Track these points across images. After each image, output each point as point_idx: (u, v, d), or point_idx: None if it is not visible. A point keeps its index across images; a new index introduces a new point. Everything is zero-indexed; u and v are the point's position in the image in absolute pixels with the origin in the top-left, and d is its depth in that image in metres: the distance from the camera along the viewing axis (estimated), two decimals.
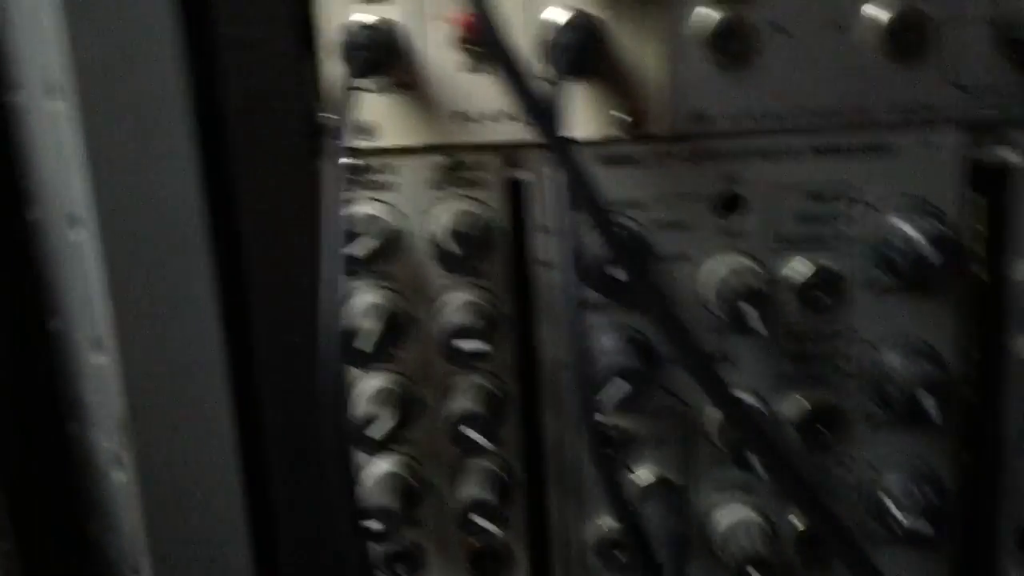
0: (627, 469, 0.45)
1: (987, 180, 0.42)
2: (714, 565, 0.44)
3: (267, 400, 0.46)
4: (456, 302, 0.42)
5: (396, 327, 0.43)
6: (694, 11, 0.40)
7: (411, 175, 0.42)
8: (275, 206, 0.43)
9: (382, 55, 0.39)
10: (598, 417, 0.44)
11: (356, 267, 0.42)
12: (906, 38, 0.39)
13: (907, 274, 0.41)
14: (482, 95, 0.41)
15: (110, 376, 0.48)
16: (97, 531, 0.54)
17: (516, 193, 0.43)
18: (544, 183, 0.42)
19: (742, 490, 0.45)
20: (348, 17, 0.41)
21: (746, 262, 0.42)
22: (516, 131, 0.42)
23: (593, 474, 0.45)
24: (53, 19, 0.45)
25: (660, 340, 0.42)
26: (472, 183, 0.42)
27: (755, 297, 0.40)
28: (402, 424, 0.44)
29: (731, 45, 0.40)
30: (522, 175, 0.42)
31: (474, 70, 0.41)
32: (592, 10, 0.40)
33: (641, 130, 0.41)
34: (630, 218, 0.42)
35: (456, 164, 0.42)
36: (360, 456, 0.45)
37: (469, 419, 0.42)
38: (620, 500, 0.37)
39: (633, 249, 0.40)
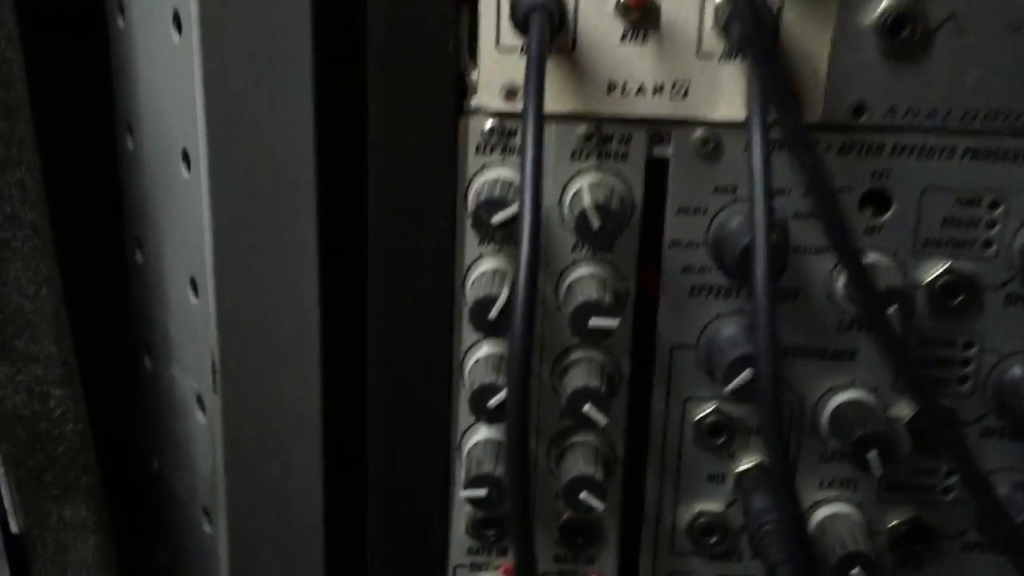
0: (732, 457, 0.45)
1: None
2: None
3: (368, 359, 0.45)
4: (586, 277, 0.42)
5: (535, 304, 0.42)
6: None
7: (552, 143, 0.41)
8: (405, 162, 0.42)
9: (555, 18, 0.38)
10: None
11: (489, 233, 0.41)
12: None
13: None
14: (634, 66, 0.40)
15: (202, 316, 0.47)
16: (167, 467, 0.54)
17: (655, 170, 0.42)
18: (685, 162, 0.41)
19: (845, 487, 0.45)
20: None
21: (886, 260, 0.41)
22: (663, 106, 0.40)
23: (693, 459, 0.45)
24: None
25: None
26: (614, 156, 0.41)
27: (896, 296, 0.40)
28: None
29: (902, 35, 0.39)
30: (664, 152, 0.41)
31: (630, 40, 0.40)
32: None
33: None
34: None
35: (600, 136, 0.41)
36: (463, 420, 0.45)
37: (588, 394, 0.42)
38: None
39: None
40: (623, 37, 0.40)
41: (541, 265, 0.37)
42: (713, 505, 0.45)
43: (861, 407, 0.43)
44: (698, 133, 0.41)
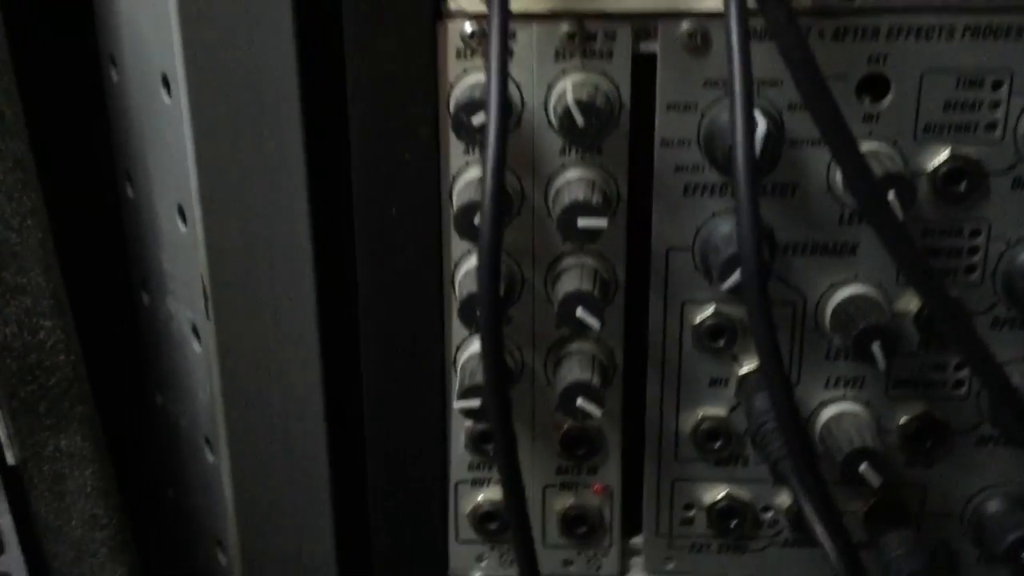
0: (734, 360, 0.44)
1: None
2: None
3: (359, 278, 0.44)
4: (574, 180, 0.41)
5: (505, 202, 0.41)
6: None
7: (533, 44, 0.40)
8: (385, 71, 0.40)
9: None
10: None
11: (473, 139, 0.40)
12: None
13: None
14: None
15: (193, 245, 0.46)
16: (169, 401, 0.53)
17: (641, 67, 0.40)
18: (673, 57, 0.40)
19: (850, 386, 0.44)
20: None
21: (885, 148, 0.40)
22: (647, 0, 0.39)
23: (693, 363, 0.44)
24: None
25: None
26: (598, 54, 0.40)
27: (894, 181, 0.38)
28: (504, 302, 0.42)
29: None
30: (651, 47, 0.40)
31: None
32: None
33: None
34: (764, 98, 0.40)
35: (583, 34, 0.40)
36: (457, 333, 0.44)
37: (579, 299, 0.41)
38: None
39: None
40: None
41: (507, 155, 0.35)
42: (716, 410, 0.45)
43: (864, 301, 0.41)
44: (685, 26, 0.39)
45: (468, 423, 0.45)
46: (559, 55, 0.40)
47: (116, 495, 0.47)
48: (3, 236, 0.43)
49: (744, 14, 0.35)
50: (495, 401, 0.35)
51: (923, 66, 0.39)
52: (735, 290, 0.39)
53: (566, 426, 0.45)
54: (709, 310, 0.43)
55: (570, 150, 0.41)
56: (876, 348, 0.40)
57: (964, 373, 0.43)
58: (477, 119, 0.38)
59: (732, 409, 0.45)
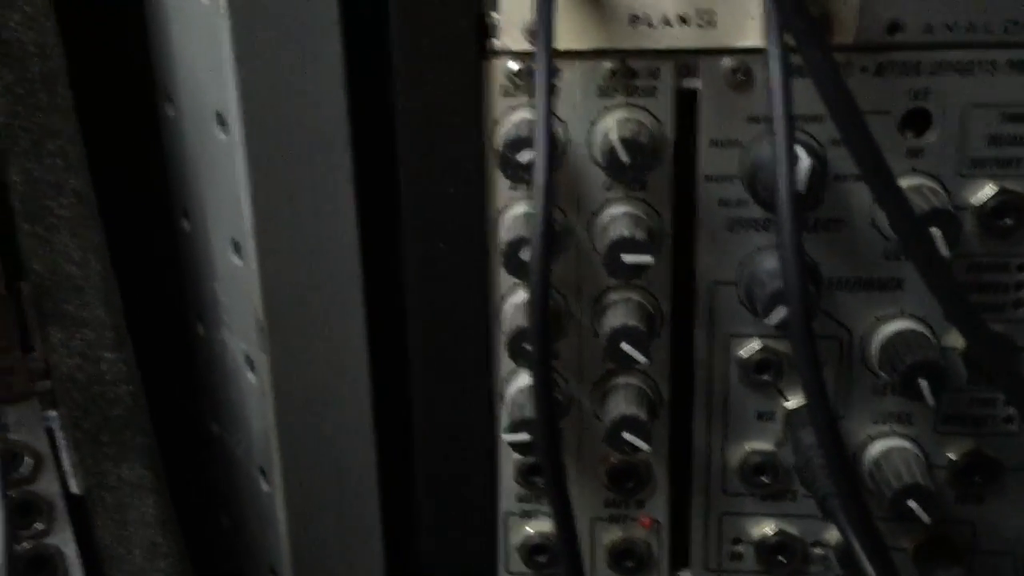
0: (780, 394, 0.44)
1: None
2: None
3: (408, 310, 0.45)
4: (619, 215, 0.41)
5: (553, 239, 0.41)
6: None
7: (577, 81, 0.41)
8: (432, 108, 0.41)
9: None
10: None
11: (519, 176, 0.40)
12: None
13: None
14: None
15: (247, 278, 0.48)
16: (224, 431, 0.55)
17: (685, 103, 0.41)
18: (715, 93, 0.40)
19: (898, 421, 0.44)
20: None
21: (930, 183, 0.40)
22: (689, 36, 0.40)
23: (740, 397, 0.44)
24: None
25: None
26: (641, 91, 0.41)
27: (939, 217, 0.38)
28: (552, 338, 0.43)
29: None
30: (693, 84, 0.41)
31: None
32: None
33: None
34: (808, 134, 0.40)
35: (626, 71, 0.40)
36: (505, 365, 0.45)
37: (625, 333, 0.41)
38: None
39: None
40: None
41: (557, 188, 0.36)
42: (763, 444, 0.45)
43: (911, 336, 0.41)
44: (727, 62, 0.40)
45: (517, 455, 0.46)
46: (603, 92, 0.41)
47: (175, 524, 0.48)
48: (66, 270, 0.45)
49: (785, 51, 0.35)
50: (546, 437, 0.36)
51: (966, 100, 0.39)
52: (780, 326, 0.39)
53: (613, 459, 0.46)
54: (755, 344, 0.43)
55: (615, 186, 0.42)
56: (924, 385, 0.40)
57: (1014, 409, 0.43)
58: (523, 156, 0.39)
59: (780, 443, 0.45)
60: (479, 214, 0.43)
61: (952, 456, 0.44)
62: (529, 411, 0.43)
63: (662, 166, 0.41)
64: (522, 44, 0.40)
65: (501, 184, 0.42)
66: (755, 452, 0.45)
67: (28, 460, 0.45)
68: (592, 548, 0.47)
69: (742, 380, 0.44)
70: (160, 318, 0.55)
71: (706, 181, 0.41)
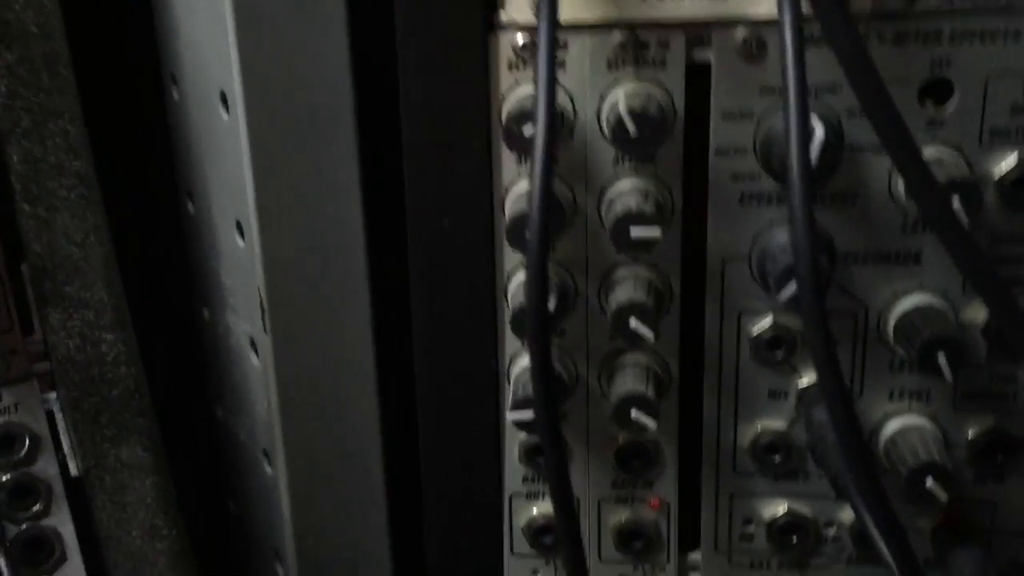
0: (793, 371, 0.43)
1: None
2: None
3: (412, 289, 0.44)
4: (627, 189, 0.40)
5: (559, 214, 0.40)
6: None
7: (585, 54, 0.40)
8: (438, 83, 0.40)
9: None
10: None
11: (524, 150, 0.40)
12: None
13: None
14: None
15: (251, 260, 0.47)
16: (229, 414, 0.54)
17: (696, 75, 0.40)
18: (727, 64, 0.39)
19: (916, 398, 0.43)
20: None
21: (950, 153, 0.39)
22: (700, 7, 0.39)
23: (751, 375, 0.43)
24: None
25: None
26: (652, 63, 0.39)
27: (958, 187, 0.37)
28: (557, 314, 0.42)
29: None
30: (705, 56, 0.40)
31: None
32: None
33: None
34: (824, 104, 0.39)
35: (636, 42, 0.39)
36: (510, 344, 0.44)
37: (633, 309, 0.40)
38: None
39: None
40: None
41: (558, 165, 0.35)
42: (776, 422, 0.44)
43: (929, 311, 0.40)
44: (739, 33, 0.39)
45: (522, 436, 0.45)
46: (611, 65, 0.40)
47: (176, 506, 0.47)
48: (67, 251, 0.44)
49: (799, 20, 0.34)
50: (544, 413, 0.35)
51: (988, 70, 0.38)
52: (792, 301, 0.38)
53: (621, 439, 0.45)
54: (767, 321, 0.42)
55: (623, 160, 0.41)
56: (942, 359, 0.39)
57: None
58: (528, 130, 0.38)
59: (792, 422, 0.44)
60: (485, 190, 0.42)
61: (971, 434, 0.43)
62: (528, 389, 0.42)
63: (672, 139, 0.40)
64: (529, 17, 0.39)
65: (507, 159, 0.41)
66: (767, 431, 0.44)
67: (27, 441, 0.44)
68: (599, 529, 0.47)
69: (754, 357, 0.43)
70: (164, 301, 0.55)
71: (717, 154, 0.40)
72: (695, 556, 0.47)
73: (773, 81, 0.39)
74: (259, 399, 0.50)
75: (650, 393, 0.42)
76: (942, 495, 0.40)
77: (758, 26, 0.39)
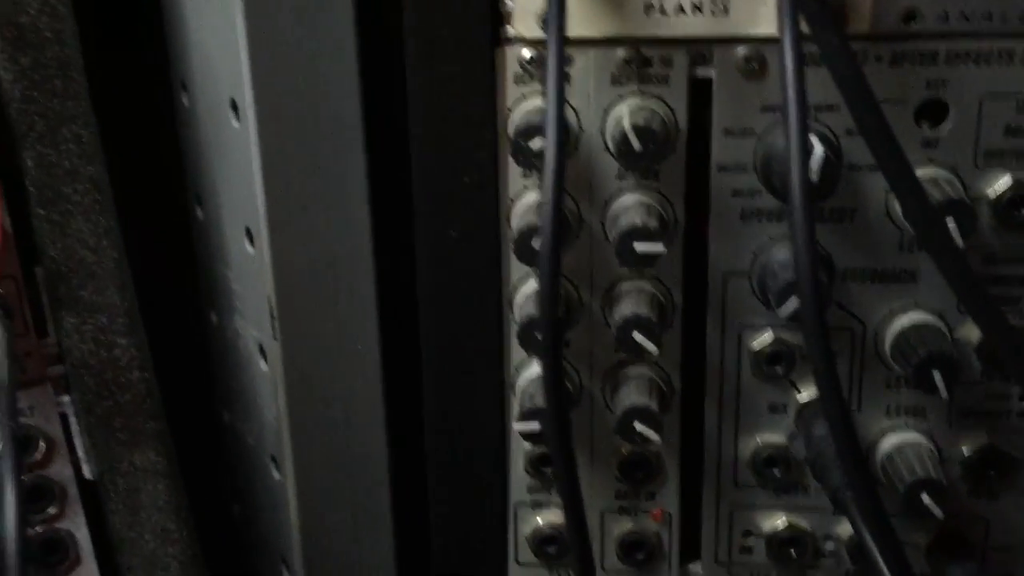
0: (792, 386, 0.44)
1: None
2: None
3: (420, 299, 0.45)
4: (631, 204, 0.41)
5: (564, 227, 0.41)
6: None
7: (590, 69, 0.40)
8: (445, 95, 0.41)
9: None
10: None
11: (531, 163, 0.40)
12: None
13: None
14: None
15: (260, 266, 0.48)
16: (236, 419, 0.55)
17: (698, 92, 0.41)
18: (729, 82, 0.40)
19: (911, 414, 0.43)
20: None
21: (945, 174, 0.39)
22: (703, 24, 0.39)
23: (752, 389, 0.44)
24: None
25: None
26: (655, 79, 0.40)
27: (953, 208, 0.38)
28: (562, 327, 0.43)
29: None
30: (707, 72, 0.40)
31: None
32: None
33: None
34: (822, 123, 0.40)
35: (639, 59, 0.40)
36: (516, 355, 0.45)
37: (636, 323, 0.41)
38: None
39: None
40: None
41: (566, 171, 0.36)
42: (775, 436, 0.44)
43: (925, 329, 0.41)
44: (741, 51, 0.40)
45: (527, 445, 0.46)
46: (616, 80, 0.41)
47: (187, 510, 0.48)
48: (80, 256, 0.45)
49: (798, 39, 0.35)
50: (555, 426, 0.35)
51: (983, 91, 0.39)
52: (793, 317, 0.39)
53: (624, 451, 0.46)
54: (767, 336, 0.43)
55: (627, 174, 0.41)
56: (937, 377, 0.39)
57: None
58: (535, 144, 0.39)
59: (791, 436, 0.44)
60: (492, 202, 0.43)
61: (966, 450, 0.43)
62: (540, 400, 0.43)
63: (675, 155, 0.41)
64: (535, 32, 0.40)
65: (514, 172, 0.42)
66: (767, 445, 0.45)
67: (41, 445, 0.45)
68: (602, 540, 0.47)
69: (754, 372, 0.44)
70: (173, 306, 0.55)
71: (719, 171, 0.41)
72: (696, 568, 0.48)
73: (773, 99, 0.40)
74: (267, 405, 0.51)
75: (653, 406, 0.42)
76: (938, 511, 0.41)
77: (759, 44, 0.40)
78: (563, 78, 0.35)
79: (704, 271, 0.43)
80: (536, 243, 0.39)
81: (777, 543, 0.46)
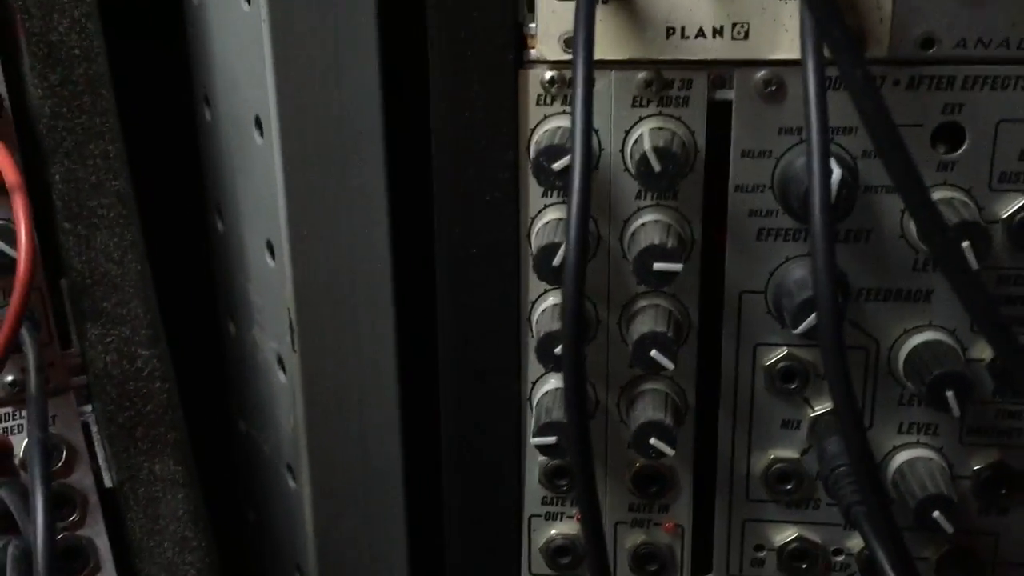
0: (806, 403, 0.44)
1: None
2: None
3: (439, 313, 0.46)
4: (650, 223, 0.42)
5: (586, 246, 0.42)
6: None
7: (611, 91, 0.41)
8: (468, 115, 0.42)
9: None
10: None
11: (552, 183, 0.41)
12: None
13: None
14: (692, 8, 0.39)
15: (280, 279, 0.48)
16: (253, 428, 0.55)
17: (717, 114, 0.41)
18: (748, 104, 0.41)
19: (924, 432, 0.44)
20: None
21: (960, 196, 0.40)
22: (723, 48, 0.40)
23: (765, 405, 0.45)
24: None
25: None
26: (675, 102, 0.41)
27: (968, 230, 0.38)
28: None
29: None
30: (726, 95, 0.41)
31: None
32: None
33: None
34: (840, 146, 0.40)
35: (660, 81, 0.41)
36: (533, 369, 0.45)
37: (653, 340, 0.42)
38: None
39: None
40: None
41: (591, 194, 0.37)
42: (788, 452, 0.45)
43: (938, 348, 0.42)
44: (760, 74, 0.40)
45: (542, 458, 0.46)
46: (636, 102, 0.41)
47: (206, 519, 0.49)
48: (105, 268, 0.46)
49: (822, 65, 0.36)
50: (578, 443, 0.36)
51: (999, 116, 0.40)
52: (810, 334, 0.39)
53: (638, 464, 0.46)
54: (781, 353, 0.44)
55: (646, 194, 0.42)
56: (950, 395, 0.40)
57: None
58: (557, 164, 0.40)
59: (804, 451, 0.45)
60: (512, 220, 0.43)
61: (977, 467, 0.44)
62: (557, 414, 0.43)
63: (693, 175, 0.42)
64: (558, 53, 0.41)
65: (534, 191, 0.43)
66: (779, 460, 0.45)
67: (64, 453, 0.46)
68: (615, 551, 0.48)
69: (768, 388, 0.44)
70: (193, 317, 0.56)
71: (737, 191, 0.42)
72: None
73: (791, 121, 0.41)
74: (285, 415, 0.52)
75: (668, 421, 0.43)
76: (948, 527, 0.42)
77: (778, 68, 0.40)
78: (591, 100, 0.35)
79: (720, 289, 0.44)
80: (556, 261, 0.40)
81: (788, 556, 0.47)
